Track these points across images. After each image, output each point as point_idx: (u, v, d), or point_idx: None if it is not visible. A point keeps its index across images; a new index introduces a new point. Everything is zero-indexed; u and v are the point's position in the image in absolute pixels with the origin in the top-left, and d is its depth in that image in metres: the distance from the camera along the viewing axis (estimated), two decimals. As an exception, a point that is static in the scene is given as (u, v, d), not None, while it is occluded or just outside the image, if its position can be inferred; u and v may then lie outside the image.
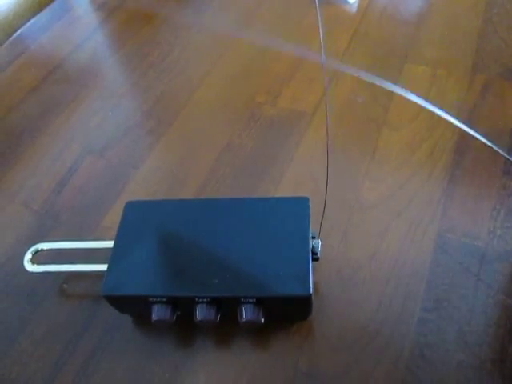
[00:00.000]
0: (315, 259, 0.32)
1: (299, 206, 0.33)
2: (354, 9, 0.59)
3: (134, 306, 0.33)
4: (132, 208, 0.35)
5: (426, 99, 0.47)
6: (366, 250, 0.36)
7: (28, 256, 0.36)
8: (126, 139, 0.47)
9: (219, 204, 0.34)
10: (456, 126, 0.44)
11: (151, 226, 0.33)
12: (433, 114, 0.46)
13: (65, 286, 0.37)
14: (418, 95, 0.47)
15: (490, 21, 0.55)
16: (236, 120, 0.47)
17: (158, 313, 0.30)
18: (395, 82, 0.49)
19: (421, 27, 0.56)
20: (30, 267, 0.36)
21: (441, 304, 0.33)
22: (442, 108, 0.46)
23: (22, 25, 0.62)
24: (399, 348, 0.32)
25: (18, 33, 0.61)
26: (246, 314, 0.30)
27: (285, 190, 0.41)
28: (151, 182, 0.43)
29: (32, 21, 0.62)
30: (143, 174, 0.44)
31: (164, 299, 0.30)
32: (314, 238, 0.33)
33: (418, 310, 0.33)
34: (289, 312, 0.32)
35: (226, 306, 0.30)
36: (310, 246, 0.31)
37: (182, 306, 0.31)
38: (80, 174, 0.45)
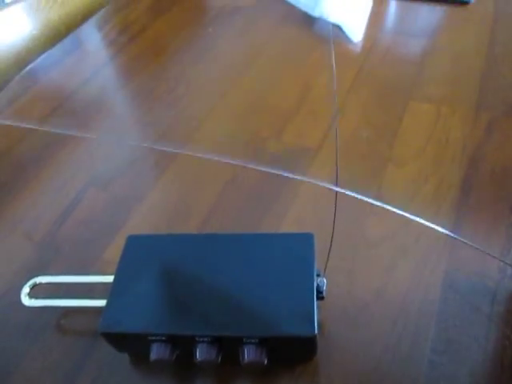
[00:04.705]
0: (320, 298, 0.31)
1: (304, 242, 0.32)
2: (358, 48, 0.61)
3: (132, 345, 0.31)
4: (133, 242, 0.34)
5: (431, 136, 0.47)
6: (372, 288, 0.35)
7: (26, 290, 0.35)
8: (130, 172, 0.47)
9: (222, 239, 0.34)
10: (462, 164, 0.44)
11: (152, 262, 0.33)
12: (438, 149, 0.45)
13: (62, 321, 0.36)
14: (423, 132, 0.48)
15: (493, 60, 0.56)
16: (240, 155, 0.47)
17: (156, 352, 0.29)
18: (400, 119, 0.49)
19: (424, 66, 0.56)
20: (27, 301, 0.35)
21: (452, 346, 0.32)
22: (447, 145, 0.46)
23: (33, 59, 0.64)
24: (409, 392, 0.30)
25: (29, 67, 0.62)
26: (249, 354, 0.28)
27: (289, 226, 0.40)
28: (154, 215, 0.43)
29: (43, 56, 0.64)
30: (146, 208, 0.44)
31: (163, 337, 0.29)
32: (318, 275, 0.32)
33: (428, 351, 0.32)
34: (293, 353, 0.31)
35: (228, 346, 0.29)
36: (315, 285, 0.30)
37: (181, 345, 0.30)
38: (83, 206, 0.44)
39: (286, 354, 0.31)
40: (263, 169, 0.45)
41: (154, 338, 0.29)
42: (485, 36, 0.60)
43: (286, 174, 0.45)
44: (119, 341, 0.31)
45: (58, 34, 0.70)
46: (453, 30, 0.63)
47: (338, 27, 0.61)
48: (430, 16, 0.66)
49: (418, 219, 0.40)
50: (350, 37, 0.61)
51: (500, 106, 0.50)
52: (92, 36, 0.68)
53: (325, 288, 0.31)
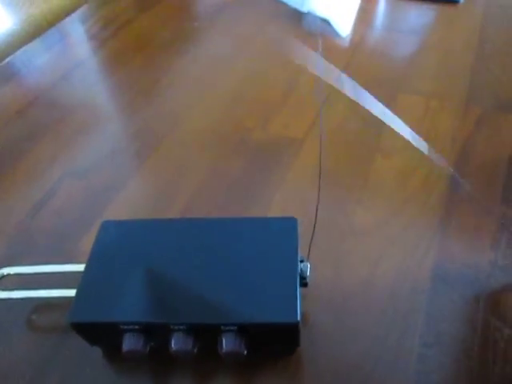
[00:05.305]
0: (304, 284, 0.29)
1: (287, 226, 0.31)
2: (346, 43, 0.60)
3: (104, 336, 0.29)
4: (108, 228, 0.32)
5: (420, 128, 0.46)
6: (359, 277, 0.34)
7: (-7, 281, 0.33)
8: (110, 163, 0.45)
9: (201, 224, 0.32)
10: (451, 156, 0.43)
11: (127, 248, 0.31)
12: (427, 141, 0.44)
13: (33, 316, 0.34)
14: (412, 124, 0.47)
15: (482, 57, 0.56)
16: (224, 144, 0.46)
17: (129, 342, 0.27)
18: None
19: (414, 62, 0.56)
20: (-6, 293, 0.33)
21: (441, 338, 0.31)
22: (436, 137, 0.45)
23: (13, 53, 0.62)
24: (398, 387, 0.29)
25: (8, 59, 0.60)
26: (227, 343, 0.26)
27: (273, 215, 0.39)
28: (133, 205, 0.41)
29: (24, 48, 0.62)
30: (125, 198, 0.42)
31: (136, 327, 0.27)
32: (302, 261, 0.30)
33: (417, 344, 0.30)
34: (275, 342, 0.29)
35: (205, 335, 0.27)
36: (299, 270, 0.29)
37: (156, 335, 0.28)
38: (59, 196, 0.42)
39: (268, 345, 0.29)
40: (248, 158, 0.44)
41: (126, 327, 0.27)
42: (474, 34, 0.60)
43: (271, 164, 0.43)
44: (90, 332, 0.29)
45: (39, 29, 0.69)
46: (442, 27, 0.63)
47: (326, 22, 0.61)
48: (419, 14, 0.66)
49: (405, 209, 0.39)
50: (338, 31, 0.60)
51: (490, 101, 0.49)
52: (75, 30, 0.66)
53: (308, 274, 0.29)
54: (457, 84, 0.52)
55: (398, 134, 0.45)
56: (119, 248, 0.31)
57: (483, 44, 0.58)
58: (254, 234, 0.31)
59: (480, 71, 0.54)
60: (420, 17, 0.65)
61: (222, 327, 0.26)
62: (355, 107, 0.49)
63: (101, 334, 0.29)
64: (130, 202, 0.41)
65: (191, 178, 0.43)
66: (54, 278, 0.34)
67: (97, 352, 0.31)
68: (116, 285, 0.29)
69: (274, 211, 0.39)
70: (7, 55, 0.61)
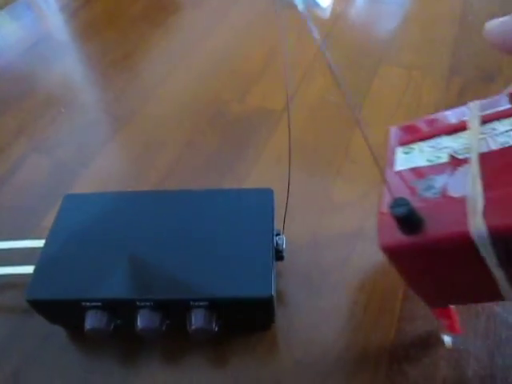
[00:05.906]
0: (280, 258, 0.28)
1: (263, 198, 0.29)
2: (326, 15, 0.58)
3: (65, 314, 0.28)
4: (71, 202, 0.30)
5: (403, 99, 0.45)
6: (337, 252, 0.32)
7: None
8: (79, 137, 0.43)
9: (172, 197, 0.30)
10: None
11: (90, 222, 0.29)
12: (409, 113, 0.43)
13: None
14: (394, 95, 0.45)
15: (465, 28, 0.54)
16: (200, 117, 0.44)
17: (91, 321, 0.26)
18: (370, 82, 0.46)
19: (396, 33, 0.54)
20: None
21: (421, 313, 0.29)
22: (418, 108, 0.44)
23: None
24: (375, 363, 0.28)
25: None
26: (196, 320, 0.25)
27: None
28: (102, 180, 0.39)
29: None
30: (95, 173, 0.40)
31: (99, 304, 0.26)
32: (278, 234, 0.28)
33: (396, 319, 0.29)
34: (248, 319, 0.27)
35: (174, 312, 0.26)
36: (274, 243, 0.27)
37: (121, 313, 0.26)
38: (22, 173, 0.40)
39: (240, 321, 0.27)
40: (225, 131, 0.42)
41: (88, 304, 0.25)
42: (457, 4, 0.58)
43: (248, 137, 0.41)
44: (50, 310, 0.27)
45: (3, 3, 0.65)
46: (426, -1, 0.61)
47: (306, -8, 0.58)
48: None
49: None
50: (318, 2, 0.57)
51: (472, 71, 0.48)
52: (44, 0, 0.63)
53: (284, 247, 0.28)
54: (439, 55, 0.51)
55: (380, 105, 0.44)
56: (82, 222, 0.29)
57: (466, 15, 0.57)
58: (227, 205, 0.29)
59: (463, 42, 0.52)
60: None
61: (192, 303, 0.25)
62: (336, 79, 0.47)
63: (62, 313, 0.27)
64: (99, 178, 0.39)
65: (165, 152, 0.41)
66: (16, 255, 0.32)
67: (60, 331, 0.29)
68: (78, 260, 0.27)
69: (252, 184, 0.37)
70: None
